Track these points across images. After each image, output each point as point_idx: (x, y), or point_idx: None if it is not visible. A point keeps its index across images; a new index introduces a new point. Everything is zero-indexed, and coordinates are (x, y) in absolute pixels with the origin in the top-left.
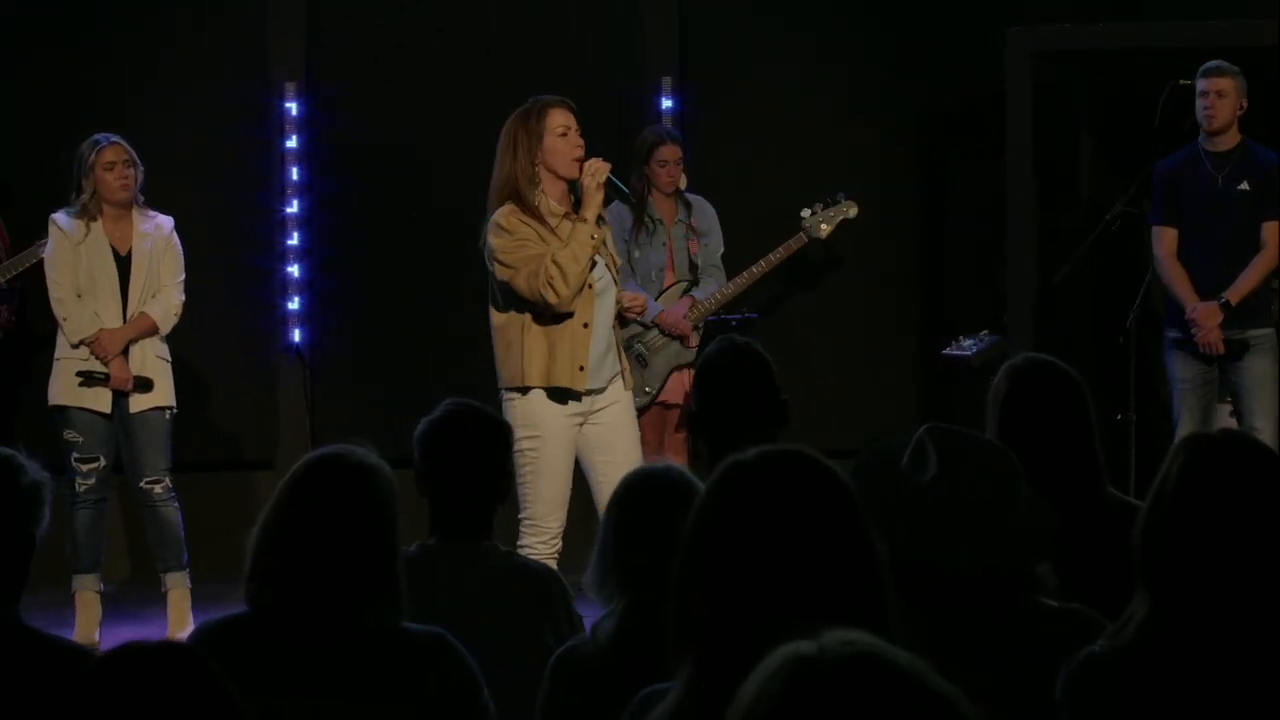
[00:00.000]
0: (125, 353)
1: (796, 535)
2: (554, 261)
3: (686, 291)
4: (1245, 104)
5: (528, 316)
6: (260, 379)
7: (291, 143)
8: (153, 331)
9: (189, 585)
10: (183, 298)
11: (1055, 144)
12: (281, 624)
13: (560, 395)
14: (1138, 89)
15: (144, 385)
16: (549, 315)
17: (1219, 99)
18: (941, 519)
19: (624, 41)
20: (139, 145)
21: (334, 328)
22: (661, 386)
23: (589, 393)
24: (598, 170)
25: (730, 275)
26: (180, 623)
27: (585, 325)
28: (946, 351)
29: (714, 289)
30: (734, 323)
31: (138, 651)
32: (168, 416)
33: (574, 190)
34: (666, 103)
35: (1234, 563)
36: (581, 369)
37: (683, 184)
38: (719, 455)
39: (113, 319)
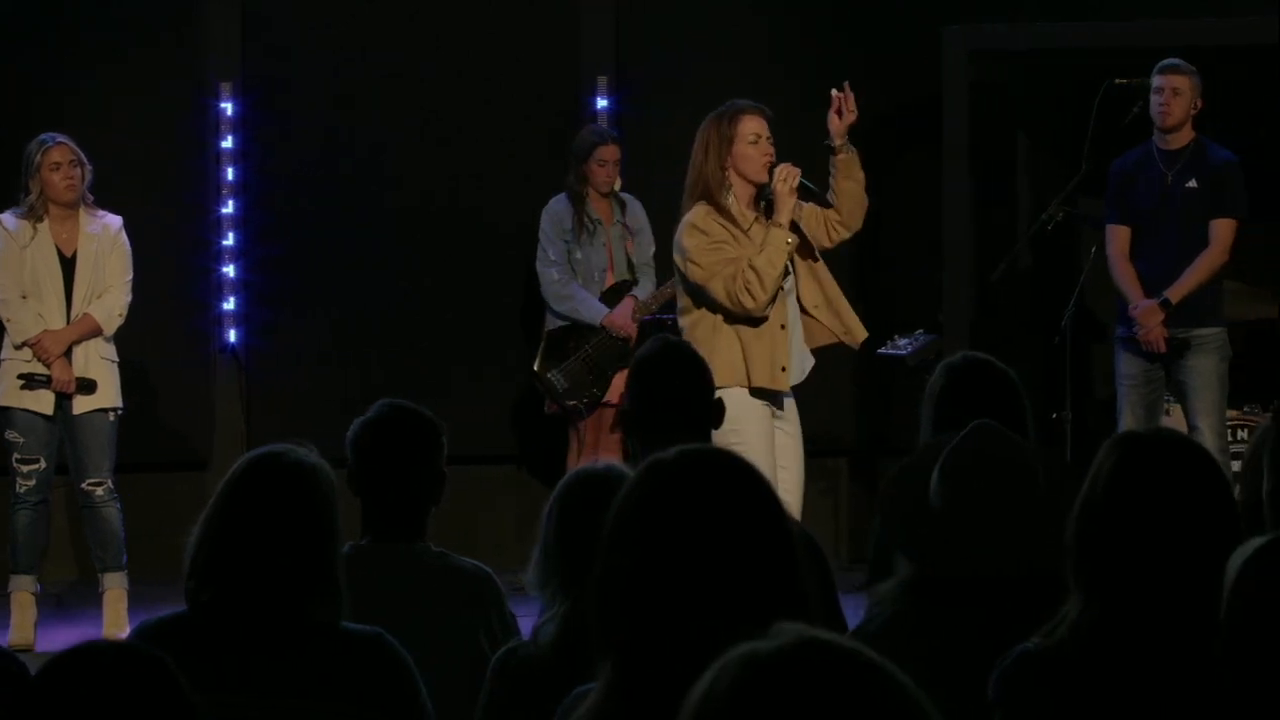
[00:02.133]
0: (69, 354)
1: (715, 534)
2: (751, 267)
3: (628, 291)
4: (1200, 103)
5: (719, 318)
6: (196, 379)
7: (227, 143)
8: (96, 332)
9: (126, 586)
10: (129, 298)
11: (992, 143)
12: (221, 623)
13: (757, 393)
14: (1074, 87)
15: (87, 386)
16: (741, 317)
17: (1175, 96)
18: (952, 534)
19: (561, 40)
20: None
21: (270, 328)
22: (608, 387)
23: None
24: (790, 175)
25: (661, 274)
26: (116, 623)
27: (782, 326)
28: (882, 351)
29: (651, 288)
30: (670, 321)
31: (95, 651)
32: (112, 418)
33: (762, 196)
34: (602, 102)
35: (1163, 561)
36: (784, 369)
37: (617, 185)
38: (652, 454)
39: (56, 321)
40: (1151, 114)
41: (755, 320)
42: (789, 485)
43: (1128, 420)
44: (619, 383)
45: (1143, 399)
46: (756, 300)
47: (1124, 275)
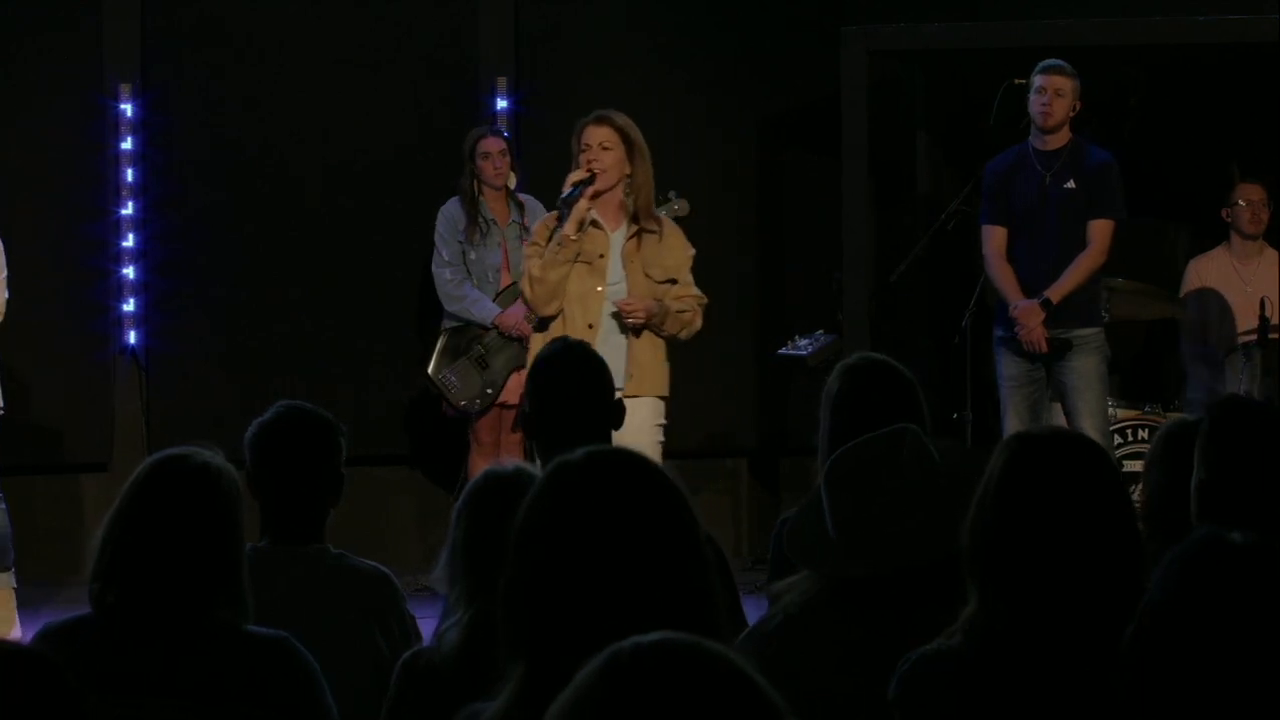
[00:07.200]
0: None
1: (622, 535)
2: (531, 268)
3: None
4: (1079, 105)
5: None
6: (95, 381)
7: (126, 144)
8: None
9: (14, 585)
10: (7, 295)
11: (891, 143)
12: (125, 625)
13: None
14: (973, 87)
15: None
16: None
17: (1057, 97)
18: (847, 540)
19: (460, 42)
20: None
21: (169, 330)
22: (502, 388)
23: None
24: (566, 187)
25: None
26: (5, 622)
27: (590, 326)
28: (782, 351)
29: None
30: None
31: None
32: None
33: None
34: (502, 104)
35: (1056, 560)
36: None
37: (512, 183)
38: (551, 456)
39: None
40: (1031, 113)
41: (565, 318)
42: None
43: (1012, 422)
44: (516, 383)
45: (1026, 399)
46: (528, 298)
47: (1002, 275)
